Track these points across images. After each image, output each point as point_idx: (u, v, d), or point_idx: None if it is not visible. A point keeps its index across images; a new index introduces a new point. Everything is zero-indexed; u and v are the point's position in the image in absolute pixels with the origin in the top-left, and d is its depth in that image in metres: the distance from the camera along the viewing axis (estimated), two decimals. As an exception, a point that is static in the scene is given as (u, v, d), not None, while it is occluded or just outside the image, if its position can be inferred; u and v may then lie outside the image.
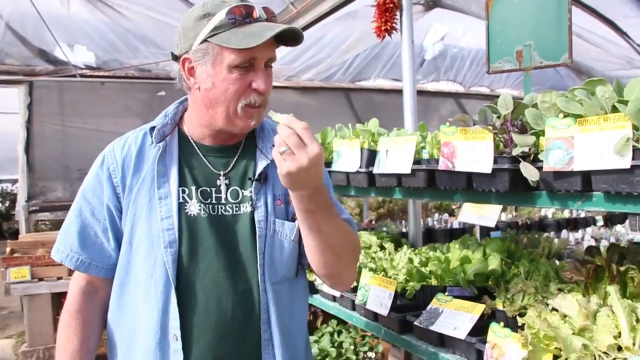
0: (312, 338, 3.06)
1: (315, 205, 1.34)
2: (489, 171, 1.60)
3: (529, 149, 1.57)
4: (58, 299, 4.97)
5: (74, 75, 6.46)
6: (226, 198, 1.51)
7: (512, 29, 2.46)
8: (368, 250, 2.64)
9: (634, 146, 1.27)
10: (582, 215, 7.41)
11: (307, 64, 7.48)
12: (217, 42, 1.38)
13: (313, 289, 2.60)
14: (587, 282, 1.61)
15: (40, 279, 4.65)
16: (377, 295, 2.06)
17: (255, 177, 1.52)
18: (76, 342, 1.51)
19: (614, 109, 1.35)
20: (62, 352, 1.51)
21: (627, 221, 5.16)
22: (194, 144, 1.55)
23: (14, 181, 12.14)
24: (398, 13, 3.19)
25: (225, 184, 1.52)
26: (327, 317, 3.33)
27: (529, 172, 1.50)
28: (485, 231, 4.27)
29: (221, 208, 1.51)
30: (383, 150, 2.08)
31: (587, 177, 1.40)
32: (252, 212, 1.50)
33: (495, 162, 1.60)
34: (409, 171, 1.91)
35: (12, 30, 6.09)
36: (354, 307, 2.25)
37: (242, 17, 1.39)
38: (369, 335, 3.08)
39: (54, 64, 6.51)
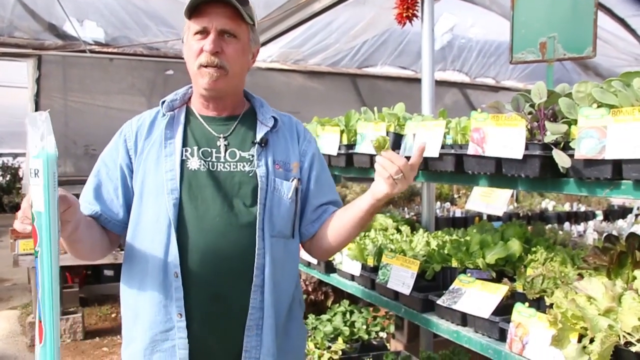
0: (324, 317, 3.13)
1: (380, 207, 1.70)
2: (520, 157, 1.65)
3: (560, 137, 1.62)
4: (64, 273, 4.97)
5: (84, 51, 6.44)
6: (225, 157, 1.70)
7: (537, 21, 2.50)
8: (386, 232, 2.69)
9: (667, 137, 1.33)
10: (582, 209, 7.52)
11: (315, 48, 7.48)
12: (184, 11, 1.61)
13: (331, 268, 2.66)
14: (610, 267, 1.67)
15: (49, 252, 4.70)
16: (399, 274, 2.12)
17: (258, 141, 1.71)
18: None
19: (650, 101, 1.40)
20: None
21: (629, 216, 5.25)
22: (198, 116, 1.75)
23: (15, 155, 12.12)
24: (420, 0, 3.22)
25: (225, 145, 1.70)
26: (337, 297, 3.39)
27: (561, 158, 1.55)
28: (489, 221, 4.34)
29: (220, 165, 1.69)
30: (410, 133, 2.13)
31: (618, 166, 1.45)
32: (253, 171, 1.68)
33: (526, 148, 1.65)
34: (437, 155, 1.96)
35: (21, 3, 6.05)
36: (373, 286, 2.30)
37: None
38: (380, 316, 3.15)
39: (63, 38, 6.48)
